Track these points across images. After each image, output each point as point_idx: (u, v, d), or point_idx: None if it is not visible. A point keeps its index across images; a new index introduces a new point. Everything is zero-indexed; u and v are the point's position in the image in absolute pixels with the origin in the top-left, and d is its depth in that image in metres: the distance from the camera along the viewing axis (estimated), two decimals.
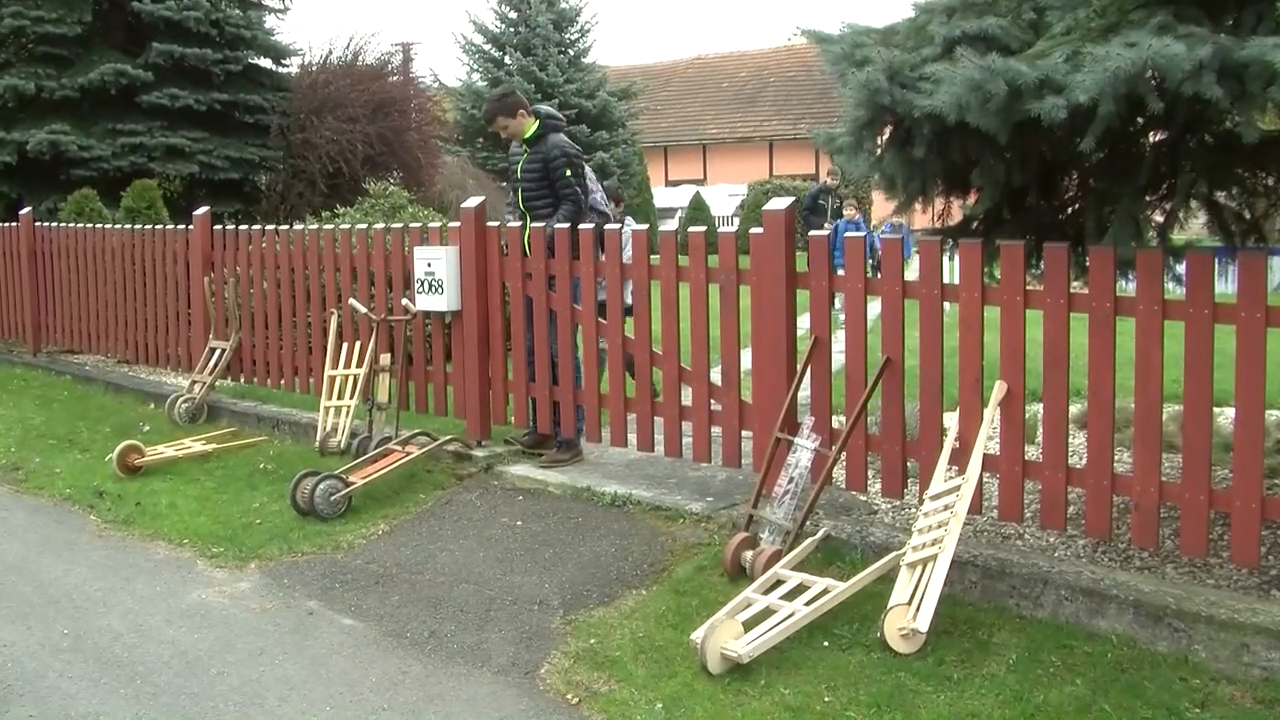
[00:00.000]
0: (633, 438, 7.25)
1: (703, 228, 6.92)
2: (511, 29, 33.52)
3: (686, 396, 6.92)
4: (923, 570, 4.92)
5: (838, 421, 6.20)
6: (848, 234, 6.43)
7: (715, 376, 6.79)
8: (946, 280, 5.73)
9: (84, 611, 5.67)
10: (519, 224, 7.72)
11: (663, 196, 35.87)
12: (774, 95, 42.03)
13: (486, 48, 33.80)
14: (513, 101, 7.78)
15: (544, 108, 7.96)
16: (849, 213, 15.27)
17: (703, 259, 6.69)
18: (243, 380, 10.08)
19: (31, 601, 5.82)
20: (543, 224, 7.54)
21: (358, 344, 8.48)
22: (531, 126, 7.69)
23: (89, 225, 12.16)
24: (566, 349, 7.37)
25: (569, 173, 7.59)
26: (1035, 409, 6.36)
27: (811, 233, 6.27)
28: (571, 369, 7.37)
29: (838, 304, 8.79)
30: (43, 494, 7.86)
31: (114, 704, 4.65)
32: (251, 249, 9.80)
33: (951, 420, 5.62)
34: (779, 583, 5.24)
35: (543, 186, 7.65)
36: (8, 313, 13.31)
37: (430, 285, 7.91)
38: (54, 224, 12.75)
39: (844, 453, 5.96)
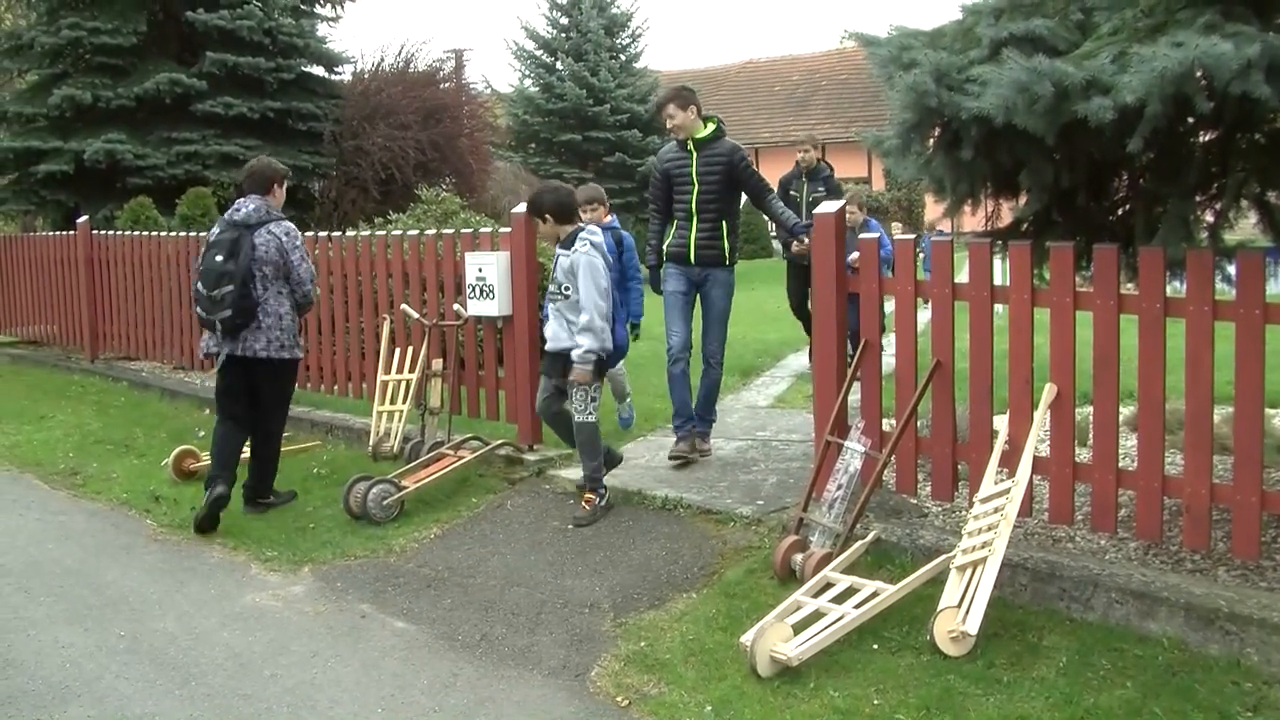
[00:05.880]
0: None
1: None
2: (563, 34, 33.61)
3: None
4: (972, 573, 4.90)
5: (888, 424, 6.19)
6: None
7: None
8: (996, 282, 5.71)
9: (140, 614, 5.76)
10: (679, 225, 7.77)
11: None
12: (826, 99, 41.84)
13: (538, 53, 33.90)
14: (690, 97, 7.84)
15: (714, 115, 8.01)
16: None
17: None
18: (296, 386, 10.13)
19: (89, 604, 5.92)
20: (710, 224, 7.61)
21: (410, 349, 8.56)
22: (705, 128, 7.71)
23: (145, 233, 12.35)
24: None
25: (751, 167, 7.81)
26: (1085, 411, 6.31)
27: (861, 236, 6.25)
28: None
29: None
30: (100, 498, 7.98)
31: (169, 705, 4.71)
32: None
33: (1001, 423, 5.59)
34: (829, 586, 5.24)
35: (723, 187, 7.65)
36: (66, 320, 13.53)
37: (482, 290, 7.97)
38: (110, 232, 12.94)
39: (894, 456, 5.95)
